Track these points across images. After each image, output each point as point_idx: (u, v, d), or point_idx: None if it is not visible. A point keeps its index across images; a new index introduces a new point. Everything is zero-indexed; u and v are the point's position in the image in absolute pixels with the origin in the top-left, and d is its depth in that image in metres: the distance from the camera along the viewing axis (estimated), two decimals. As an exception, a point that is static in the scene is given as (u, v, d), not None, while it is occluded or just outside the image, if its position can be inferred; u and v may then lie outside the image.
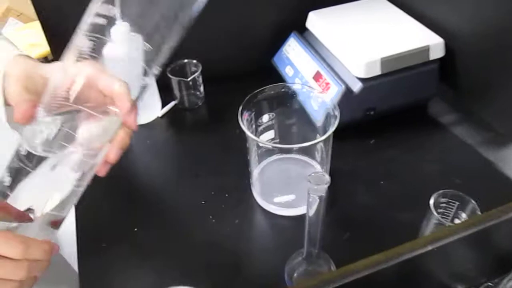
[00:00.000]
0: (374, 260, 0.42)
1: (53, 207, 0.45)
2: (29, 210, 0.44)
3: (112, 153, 0.46)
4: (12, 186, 0.44)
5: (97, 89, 0.45)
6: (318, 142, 0.62)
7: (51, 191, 0.45)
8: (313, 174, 0.44)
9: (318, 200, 0.45)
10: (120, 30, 0.72)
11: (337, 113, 0.58)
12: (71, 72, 0.43)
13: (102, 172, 0.47)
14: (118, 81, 0.44)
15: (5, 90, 0.47)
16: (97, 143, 0.45)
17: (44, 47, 1.76)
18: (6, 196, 0.44)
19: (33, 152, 0.43)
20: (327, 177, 0.43)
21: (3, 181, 0.44)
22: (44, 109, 0.43)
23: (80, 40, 0.44)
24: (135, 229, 0.65)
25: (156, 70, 0.45)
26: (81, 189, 0.47)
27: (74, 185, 0.46)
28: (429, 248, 0.42)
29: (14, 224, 0.43)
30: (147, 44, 0.43)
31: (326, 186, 0.43)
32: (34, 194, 0.44)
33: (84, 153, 0.45)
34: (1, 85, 0.47)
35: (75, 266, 0.63)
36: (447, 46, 0.76)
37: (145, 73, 0.45)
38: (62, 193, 0.45)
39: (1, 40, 0.53)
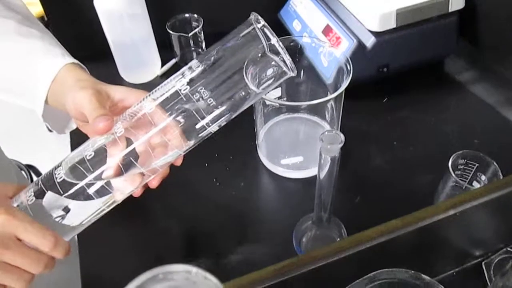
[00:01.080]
0: (391, 226, 0.38)
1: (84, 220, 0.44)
2: None
3: (156, 180, 0.46)
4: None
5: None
6: (328, 100, 0.58)
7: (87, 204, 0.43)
8: (326, 133, 0.40)
9: (330, 161, 0.41)
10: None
11: (350, 68, 0.53)
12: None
13: (138, 194, 0.47)
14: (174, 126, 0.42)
15: (57, 94, 0.49)
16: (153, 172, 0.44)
17: (39, 6, 1.70)
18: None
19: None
20: (342, 136, 0.39)
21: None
22: None
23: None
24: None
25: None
26: (108, 210, 0.45)
27: (106, 205, 0.44)
28: (451, 213, 0.39)
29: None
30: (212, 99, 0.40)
31: (340, 146, 0.39)
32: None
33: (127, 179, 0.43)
34: (48, 86, 0.49)
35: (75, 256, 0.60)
36: (467, -4, 0.70)
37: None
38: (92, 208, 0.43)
39: (51, 46, 0.52)
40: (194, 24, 0.79)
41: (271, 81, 0.42)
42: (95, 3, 0.70)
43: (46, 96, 0.50)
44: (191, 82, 0.40)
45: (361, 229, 0.55)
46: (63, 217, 0.42)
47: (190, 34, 0.77)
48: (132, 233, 0.60)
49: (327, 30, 0.73)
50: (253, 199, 0.62)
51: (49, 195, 0.41)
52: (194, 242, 0.58)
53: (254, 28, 0.40)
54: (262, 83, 0.42)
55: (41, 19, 1.77)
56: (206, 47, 0.82)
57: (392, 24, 0.67)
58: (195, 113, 0.40)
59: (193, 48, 0.80)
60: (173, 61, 0.82)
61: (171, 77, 0.42)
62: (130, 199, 0.46)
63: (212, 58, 0.41)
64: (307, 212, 0.54)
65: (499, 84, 0.74)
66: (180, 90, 0.40)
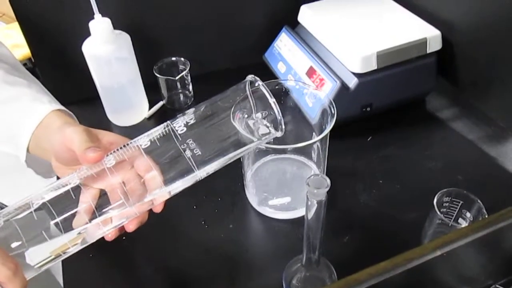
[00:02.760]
0: (381, 268, 0.39)
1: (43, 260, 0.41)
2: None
3: (132, 224, 0.44)
4: None
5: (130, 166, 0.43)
6: (314, 142, 0.59)
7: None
8: (312, 177, 0.41)
9: (317, 205, 0.42)
10: (101, 27, 0.69)
11: (333, 110, 0.55)
12: None
13: (109, 237, 0.44)
14: (154, 171, 0.42)
15: (40, 139, 0.49)
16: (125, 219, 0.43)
17: (27, 48, 1.71)
18: None
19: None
20: (328, 181, 0.40)
21: None
22: None
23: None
24: (123, 237, 0.61)
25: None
26: (73, 251, 0.43)
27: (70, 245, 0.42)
28: (438, 253, 0.39)
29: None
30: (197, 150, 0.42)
31: (326, 190, 0.40)
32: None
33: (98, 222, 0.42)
34: (32, 130, 0.49)
35: (59, 277, 0.59)
36: (444, 39, 0.73)
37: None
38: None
39: (38, 94, 0.52)
40: (181, 67, 0.80)
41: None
42: (83, 48, 0.71)
43: (29, 141, 0.50)
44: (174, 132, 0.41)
45: (351, 269, 0.55)
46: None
47: (177, 78, 0.78)
48: (118, 280, 0.59)
49: (311, 72, 0.75)
50: (242, 241, 0.61)
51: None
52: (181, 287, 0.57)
53: (246, 93, 0.43)
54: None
55: (29, 60, 1.78)
56: (193, 89, 0.83)
57: (373, 66, 0.69)
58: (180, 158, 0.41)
59: (180, 91, 0.82)
60: (161, 103, 0.83)
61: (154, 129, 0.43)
62: (115, 242, 0.45)
63: (202, 112, 0.42)
64: (297, 253, 0.54)
65: (479, 121, 0.76)
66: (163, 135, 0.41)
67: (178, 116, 0.43)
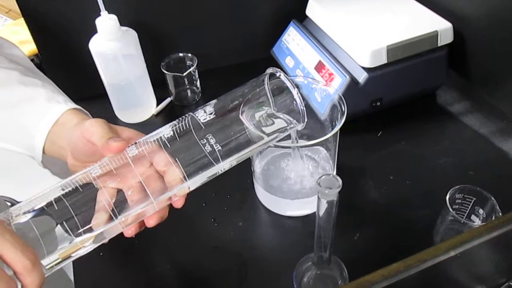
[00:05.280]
0: (393, 269, 0.38)
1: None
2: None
3: (153, 219, 0.43)
4: None
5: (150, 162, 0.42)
6: (323, 140, 0.58)
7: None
8: (323, 177, 0.40)
9: (328, 205, 0.41)
10: (108, 24, 0.68)
11: (344, 108, 0.54)
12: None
13: (129, 233, 0.43)
14: (174, 167, 0.41)
15: (56, 136, 0.49)
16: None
17: (34, 44, 1.72)
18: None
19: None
20: (339, 181, 0.39)
21: None
22: None
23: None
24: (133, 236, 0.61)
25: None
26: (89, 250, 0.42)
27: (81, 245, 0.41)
28: (452, 254, 0.39)
29: None
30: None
31: (338, 191, 0.39)
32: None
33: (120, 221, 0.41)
34: (49, 128, 0.49)
35: (70, 274, 0.59)
36: (456, 31, 0.72)
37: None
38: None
39: (53, 94, 0.53)
40: (189, 63, 0.80)
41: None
42: (90, 45, 0.71)
43: (45, 141, 0.50)
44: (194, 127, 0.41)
45: (362, 267, 0.54)
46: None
47: (184, 74, 0.77)
48: (127, 277, 0.59)
49: (319, 67, 0.74)
50: (252, 238, 0.61)
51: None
52: (192, 285, 0.57)
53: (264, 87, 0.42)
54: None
55: (36, 56, 1.78)
56: (201, 85, 0.83)
57: (383, 60, 0.68)
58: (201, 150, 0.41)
59: (187, 87, 0.81)
60: (168, 100, 0.82)
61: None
62: (125, 240, 0.45)
63: (221, 106, 0.42)
64: (307, 250, 0.54)
65: (491, 115, 0.74)
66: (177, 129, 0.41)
67: (197, 109, 0.42)
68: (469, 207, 0.57)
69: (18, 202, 0.40)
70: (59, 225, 0.39)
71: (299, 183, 0.66)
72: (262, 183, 0.65)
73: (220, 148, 0.41)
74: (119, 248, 0.60)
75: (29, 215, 0.38)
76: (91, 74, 0.74)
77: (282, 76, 0.43)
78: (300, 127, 0.45)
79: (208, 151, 0.41)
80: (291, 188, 0.64)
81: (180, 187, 0.42)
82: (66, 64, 0.81)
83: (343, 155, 0.64)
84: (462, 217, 0.57)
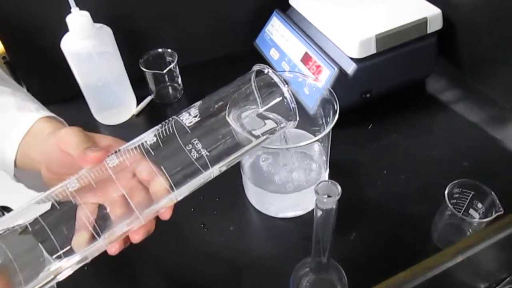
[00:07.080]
0: (400, 279, 0.36)
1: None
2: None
3: (138, 235, 0.40)
4: None
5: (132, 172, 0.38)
6: (315, 141, 0.55)
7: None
8: (321, 184, 0.38)
9: (326, 213, 0.39)
10: (80, 21, 0.64)
11: (336, 107, 0.51)
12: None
13: (114, 251, 0.40)
14: (159, 176, 0.37)
15: (28, 147, 0.46)
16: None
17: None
18: None
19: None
20: (339, 188, 0.37)
21: None
22: None
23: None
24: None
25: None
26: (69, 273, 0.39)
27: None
28: (459, 259, 0.37)
29: None
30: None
31: (336, 199, 0.37)
32: None
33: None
34: (20, 140, 0.46)
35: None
36: (445, 18, 0.70)
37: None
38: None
39: (24, 102, 0.49)
40: (169, 59, 0.76)
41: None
42: (61, 44, 0.66)
43: (16, 153, 0.46)
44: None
45: (360, 269, 0.53)
46: None
47: (165, 71, 0.74)
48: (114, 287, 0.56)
49: (306, 59, 0.71)
50: (245, 243, 0.59)
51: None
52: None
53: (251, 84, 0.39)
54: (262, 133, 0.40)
55: (3, 58, 1.70)
56: (182, 81, 0.79)
57: (372, 50, 0.66)
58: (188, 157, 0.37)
59: (168, 84, 0.78)
60: (149, 98, 0.78)
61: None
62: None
63: (205, 108, 0.39)
64: (303, 253, 0.52)
65: (481, 102, 0.73)
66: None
67: (181, 112, 0.39)
68: (467, 201, 0.55)
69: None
70: (39, 245, 0.36)
71: (289, 177, 0.64)
72: (252, 183, 0.62)
73: (207, 153, 0.38)
74: (104, 261, 0.57)
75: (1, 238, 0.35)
76: (65, 75, 0.69)
77: (271, 73, 0.40)
78: (291, 126, 0.42)
79: (195, 157, 0.38)
80: (282, 181, 0.61)
81: (167, 197, 0.39)
82: (37, 66, 0.75)
83: (334, 150, 0.61)
84: (460, 212, 0.56)
